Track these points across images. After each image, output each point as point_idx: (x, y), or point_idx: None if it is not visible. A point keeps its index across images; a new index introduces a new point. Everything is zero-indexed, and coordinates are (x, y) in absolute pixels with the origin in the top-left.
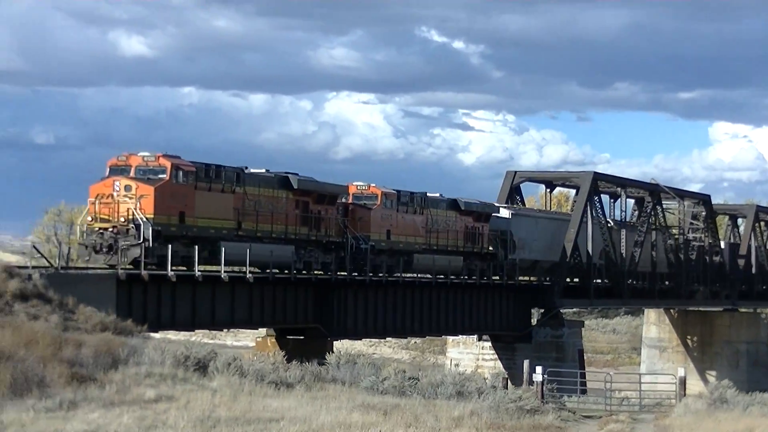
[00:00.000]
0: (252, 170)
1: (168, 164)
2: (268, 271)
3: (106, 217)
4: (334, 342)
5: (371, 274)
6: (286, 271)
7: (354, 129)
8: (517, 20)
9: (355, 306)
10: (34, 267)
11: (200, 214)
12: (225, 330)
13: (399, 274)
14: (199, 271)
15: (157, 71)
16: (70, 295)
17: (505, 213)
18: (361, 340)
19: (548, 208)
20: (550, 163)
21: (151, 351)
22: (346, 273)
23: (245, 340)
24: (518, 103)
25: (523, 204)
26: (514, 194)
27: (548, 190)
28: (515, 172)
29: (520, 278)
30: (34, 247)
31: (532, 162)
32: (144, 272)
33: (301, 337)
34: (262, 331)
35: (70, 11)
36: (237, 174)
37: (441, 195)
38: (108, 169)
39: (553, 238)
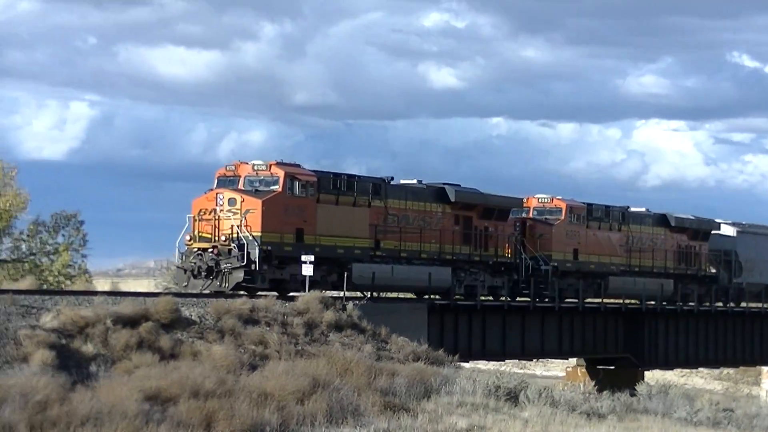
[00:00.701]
0: (402, 181)
1: (281, 173)
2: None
3: (207, 235)
4: (645, 372)
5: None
6: (598, 301)
7: (663, 157)
8: None
9: (666, 335)
10: (347, 298)
11: (324, 231)
12: (534, 360)
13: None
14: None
15: (466, 102)
16: (383, 325)
17: (729, 230)
18: (672, 370)
19: None
20: None
21: (463, 380)
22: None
23: (555, 370)
24: None
25: None
26: None
27: None
28: None
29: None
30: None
31: None
32: (455, 302)
33: (612, 367)
34: (572, 360)
35: (381, 45)
36: (374, 185)
37: (647, 210)
38: (216, 181)
39: None
